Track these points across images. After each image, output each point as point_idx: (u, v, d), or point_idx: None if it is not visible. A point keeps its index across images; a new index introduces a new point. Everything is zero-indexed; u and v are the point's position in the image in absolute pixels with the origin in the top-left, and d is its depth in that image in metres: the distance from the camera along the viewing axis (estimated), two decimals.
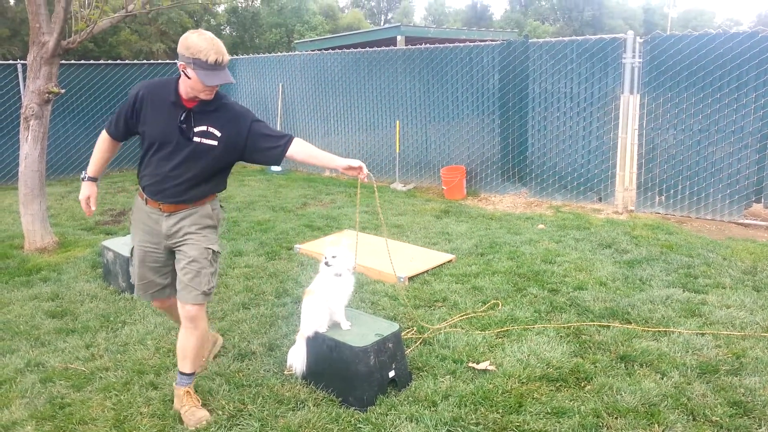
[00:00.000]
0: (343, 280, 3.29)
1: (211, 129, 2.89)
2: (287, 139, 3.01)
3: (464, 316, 4.20)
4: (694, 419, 2.93)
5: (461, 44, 8.59)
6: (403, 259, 5.27)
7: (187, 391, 3.10)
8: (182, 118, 2.87)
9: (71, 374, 3.53)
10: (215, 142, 2.91)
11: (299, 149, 3.04)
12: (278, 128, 11.07)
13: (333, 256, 3.27)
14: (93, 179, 3.21)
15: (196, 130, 2.88)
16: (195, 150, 2.90)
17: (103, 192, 9.21)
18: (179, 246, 3.02)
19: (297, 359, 3.30)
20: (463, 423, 2.93)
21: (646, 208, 7.24)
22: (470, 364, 3.49)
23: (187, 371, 3.11)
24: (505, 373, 3.39)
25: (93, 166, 3.18)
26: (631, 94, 7.14)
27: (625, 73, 7.06)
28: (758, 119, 6.40)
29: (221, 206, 3.20)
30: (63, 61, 6.80)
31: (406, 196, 8.51)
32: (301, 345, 3.30)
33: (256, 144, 2.98)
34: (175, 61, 12.12)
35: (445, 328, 4.00)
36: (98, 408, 3.17)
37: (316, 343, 3.28)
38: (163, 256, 3.09)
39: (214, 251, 3.03)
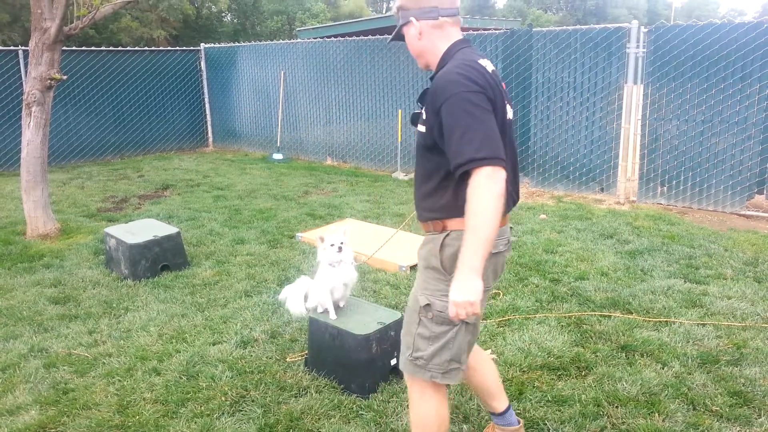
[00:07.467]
0: (339, 271, 3.25)
1: (423, 110, 2.12)
2: (465, 164, 1.90)
3: None
4: (694, 409, 2.95)
5: (464, 33, 8.53)
6: (404, 248, 5.27)
7: None
8: (419, 100, 2.22)
9: (74, 360, 3.55)
10: (423, 128, 2.11)
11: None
12: (279, 116, 11.07)
13: (342, 242, 3.20)
14: None
15: (420, 113, 2.16)
16: (416, 142, 2.20)
17: (104, 179, 9.21)
18: None
19: (293, 296, 3.39)
20: (463, 410, 2.95)
21: (648, 199, 7.24)
22: None
23: None
24: (506, 361, 3.40)
25: None
26: (634, 84, 7.11)
27: (629, 63, 7.02)
28: (762, 110, 6.37)
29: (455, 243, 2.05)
30: (64, 48, 6.78)
31: (408, 185, 8.51)
32: (302, 284, 3.37)
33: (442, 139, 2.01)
34: (176, 48, 12.13)
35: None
36: (101, 393, 3.19)
37: (318, 330, 3.30)
38: None
39: (422, 305, 2.12)
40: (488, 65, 2.11)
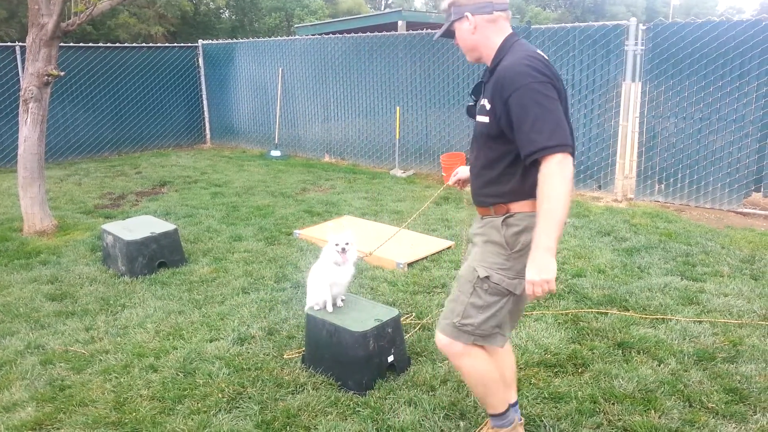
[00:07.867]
0: (342, 270, 3.26)
1: (484, 101, 2.24)
2: (538, 151, 2.03)
3: None
4: (690, 406, 2.95)
5: None
6: (402, 246, 5.27)
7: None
8: (472, 92, 2.40)
9: (71, 357, 3.55)
10: (486, 119, 2.22)
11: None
12: (277, 113, 11.05)
13: (347, 243, 3.20)
14: None
15: (480, 104, 2.29)
16: (476, 132, 2.32)
17: (101, 176, 9.19)
18: None
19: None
20: (460, 407, 2.95)
21: (645, 196, 7.24)
22: None
23: (488, 411, 2.58)
24: None
25: None
26: (632, 81, 7.11)
27: (628, 60, 7.02)
28: (759, 108, 6.38)
29: (520, 230, 2.22)
30: (62, 44, 6.75)
31: (406, 183, 8.51)
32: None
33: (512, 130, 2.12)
34: (174, 44, 12.08)
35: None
36: (98, 390, 3.18)
37: (315, 327, 3.30)
38: None
39: (481, 277, 2.27)
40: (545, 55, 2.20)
